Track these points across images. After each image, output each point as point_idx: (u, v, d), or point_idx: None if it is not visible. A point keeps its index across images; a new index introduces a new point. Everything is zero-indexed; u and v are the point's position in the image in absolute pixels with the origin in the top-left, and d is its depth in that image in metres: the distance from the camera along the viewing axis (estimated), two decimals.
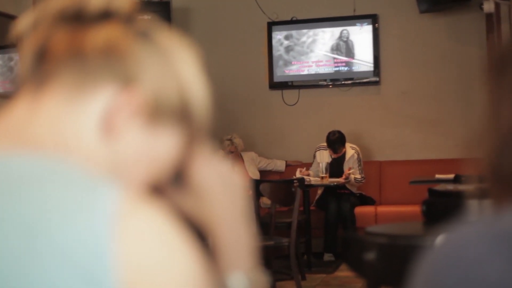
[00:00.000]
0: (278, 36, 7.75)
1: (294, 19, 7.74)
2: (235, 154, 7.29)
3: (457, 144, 7.02)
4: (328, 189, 6.88)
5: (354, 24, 7.57)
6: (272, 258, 5.15)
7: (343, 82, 7.65)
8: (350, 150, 7.00)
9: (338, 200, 6.82)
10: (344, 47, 7.59)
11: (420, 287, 0.71)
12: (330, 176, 6.70)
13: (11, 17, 5.88)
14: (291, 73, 7.75)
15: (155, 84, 0.81)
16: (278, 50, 7.75)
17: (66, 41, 0.79)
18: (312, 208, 6.78)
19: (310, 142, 7.37)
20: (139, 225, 0.71)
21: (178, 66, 0.84)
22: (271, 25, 7.77)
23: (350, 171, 6.82)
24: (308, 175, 6.80)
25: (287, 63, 7.74)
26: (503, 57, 0.77)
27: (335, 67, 7.63)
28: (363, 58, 7.54)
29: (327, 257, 6.72)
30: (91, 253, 0.68)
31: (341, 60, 7.60)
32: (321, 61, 7.67)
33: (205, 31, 7.76)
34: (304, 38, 7.69)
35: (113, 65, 0.79)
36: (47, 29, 0.80)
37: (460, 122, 7.16)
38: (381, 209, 6.96)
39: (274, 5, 7.73)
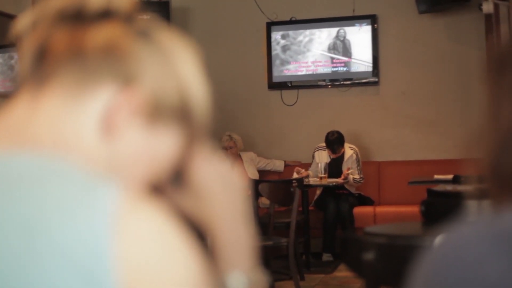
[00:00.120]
0: (276, 35, 7.75)
1: (293, 19, 7.75)
2: (234, 152, 7.29)
3: (456, 145, 7.02)
4: (327, 189, 6.88)
5: (353, 25, 7.58)
6: (270, 258, 5.15)
7: (342, 83, 7.65)
8: (349, 150, 7.00)
9: (337, 200, 6.82)
10: (341, 47, 7.59)
11: (419, 287, 0.71)
12: (329, 176, 6.70)
13: (11, 17, 5.87)
14: (290, 73, 7.75)
15: (155, 83, 0.81)
16: (275, 49, 7.75)
17: (66, 40, 0.79)
18: (310, 208, 6.78)
19: (309, 142, 7.37)
20: (139, 225, 0.71)
21: (178, 65, 0.83)
22: (270, 25, 7.77)
23: (349, 171, 6.82)
24: (308, 175, 6.80)
25: (284, 62, 7.74)
26: (502, 58, 0.77)
27: (334, 67, 7.63)
28: (361, 58, 7.54)
29: (326, 257, 6.72)
30: (91, 252, 0.68)
31: (340, 61, 7.60)
32: (320, 61, 7.67)
33: (204, 31, 7.76)
34: (300, 37, 7.70)
35: (113, 64, 0.79)
36: (47, 28, 0.80)
37: (459, 122, 7.17)
38: (380, 209, 6.96)
39: (273, 5, 7.73)
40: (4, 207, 0.70)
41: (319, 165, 6.72)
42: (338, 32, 7.59)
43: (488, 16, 6.71)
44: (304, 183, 6.30)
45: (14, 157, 0.75)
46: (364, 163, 7.10)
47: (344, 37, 7.58)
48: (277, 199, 5.38)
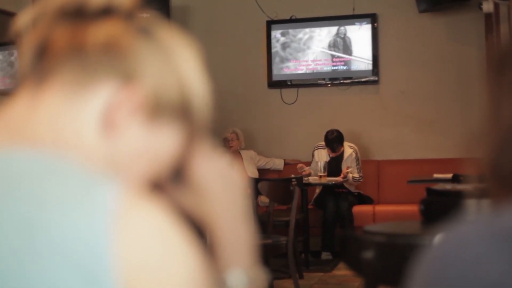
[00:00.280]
0: (276, 33, 7.75)
1: (293, 17, 7.74)
2: (236, 146, 7.30)
3: (455, 144, 7.03)
4: (326, 188, 6.89)
5: (353, 23, 7.57)
6: (270, 257, 5.15)
7: (341, 81, 7.65)
8: (348, 149, 7.00)
9: (336, 199, 6.82)
10: (341, 44, 7.59)
11: (418, 286, 0.71)
12: (328, 175, 6.71)
13: (11, 15, 5.87)
14: (290, 71, 7.75)
15: (155, 81, 0.81)
16: (275, 46, 7.75)
17: (66, 37, 0.79)
18: (310, 206, 6.79)
19: (308, 141, 7.37)
20: (139, 222, 0.71)
21: (178, 63, 0.83)
22: (270, 24, 7.76)
23: (348, 170, 6.82)
24: (310, 174, 6.81)
25: (284, 60, 7.74)
26: (502, 57, 0.77)
27: (334, 66, 7.63)
28: (361, 55, 7.54)
29: (325, 255, 6.72)
30: (91, 250, 0.68)
31: (340, 59, 7.60)
32: (320, 60, 7.67)
33: (204, 29, 7.76)
34: (300, 35, 7.69)
35: (113, 61, 0.79)
36: (48, 25, 0.80)
37: (459, 121, 7.17)
38: (379, 208, 6.96)
39: (273, 4, 7.73)
40: (3, 204, 0.70)
41: (319, 163, 6.72)
42: (338, 29, 7.59)
43: (488, 16, 6.71)
44: (304, 181, 6.30)
45: (14, 155, 0.75)
46: (363, 162, 7.10)
47: (345, 34, 7.58)
48: (277, 197, 5.38)
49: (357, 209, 6.86)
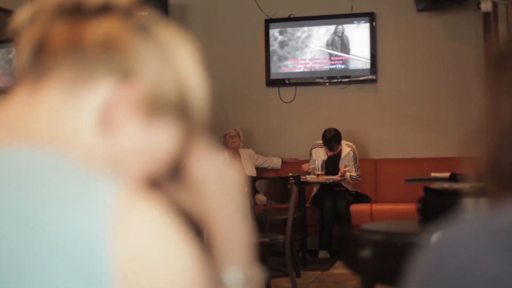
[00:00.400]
0: (274, 32, 7.75)
1: (291, 16, 7.74)
2: (236, 143, 7.30)
3: (453, 143, 7.03)
4: (323, 186, 6.89)
5: (351, 22, 7.57)
6: (267, 255, 5.15)
7: (339, 80, 7.65)
8: (346, 148, 7.00)
9: (334, 198, 6.82)
10: (339, 43, 7.59)
11: (415, 284, 0.71)
12: (326, 174, 6.71)
13: (9, 12, 5.86)
14: (288, 70, 7.75)
15: (153, 78, 0.81)
16: (273, 45, 7.75)
17: (64, 34, 0.79)
18: (307, 205, 6.79)
19: (306, 139, 7.38)
20: (137, 220, 0.71)
21: (177, 60, 0.83)
22: (269, 22, 7.76)
23: (346, 169, 6.83)
24: (310, 172, 6.82)
25: (282, 58, 7.73)
26: (501, 56, 0.77)
27: (332, 64, 7.63)
28: (359, 54, 7.54)
29: (322, 254, 6.73)
30: (89, 248, 0.68)
31: (338, 58, 7.60)
32: (318, 59, 7.66)
33: (202, 27, 7.75)
34: (298, 33, 7.69)
35: (111, 58, 0.79)
36: (46, 22, 0.80)
37: (457, 120, 7.17)
38: (377, 207, 6.97)
39: (271, 2, 7.73)
40: (1, 203, 0.70)
41: (316, 162, 6.73)
42: (336, 28, 7.59)
43: (486, 15, 6.71)
44: (301, 180, 6.31)
45: (11, 153, 0.74)
46: (361, 161, 7.11)
47: (343, 33, 7.58)
48: (274, 196, 5.38)
49: (355, 207, 6.87)
